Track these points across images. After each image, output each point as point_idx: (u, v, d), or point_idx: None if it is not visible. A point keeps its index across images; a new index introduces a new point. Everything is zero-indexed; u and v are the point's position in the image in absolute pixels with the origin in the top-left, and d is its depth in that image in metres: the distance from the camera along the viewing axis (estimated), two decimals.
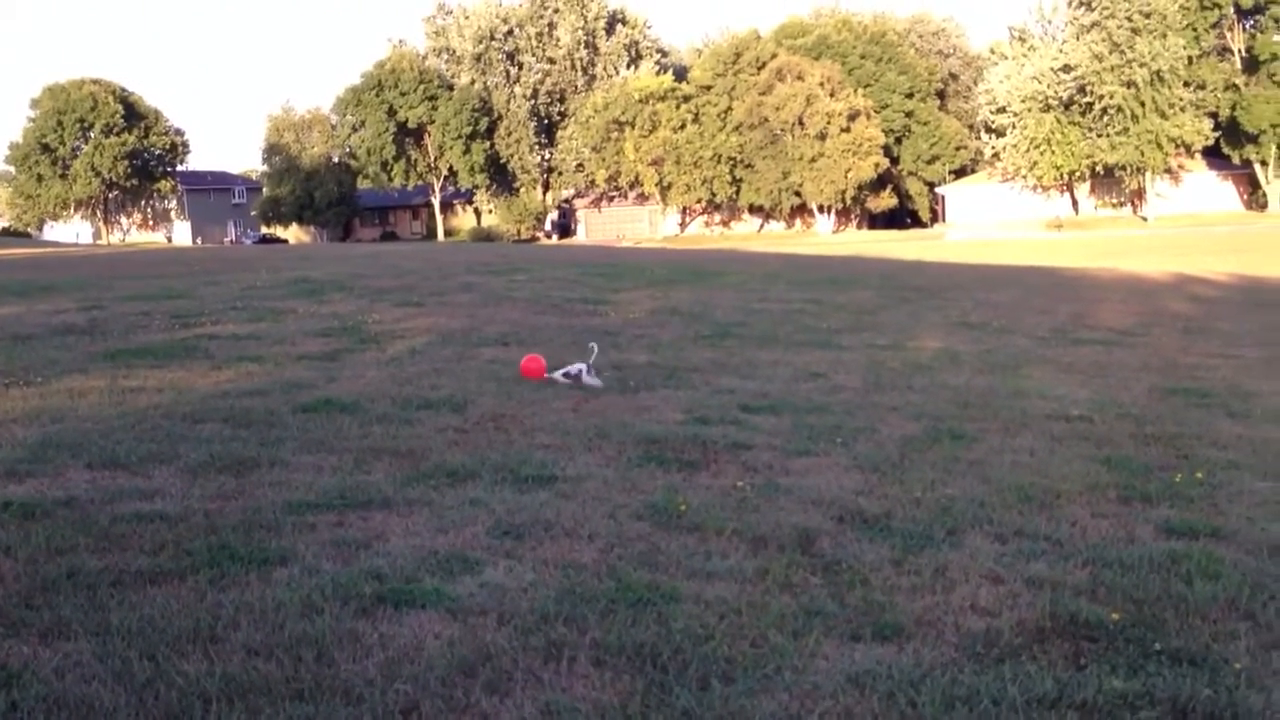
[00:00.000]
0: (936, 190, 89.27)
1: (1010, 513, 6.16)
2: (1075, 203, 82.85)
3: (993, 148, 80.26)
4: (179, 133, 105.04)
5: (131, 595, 4.64)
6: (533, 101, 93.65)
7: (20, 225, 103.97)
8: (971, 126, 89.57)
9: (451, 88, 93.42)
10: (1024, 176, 79.32)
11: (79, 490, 6.21)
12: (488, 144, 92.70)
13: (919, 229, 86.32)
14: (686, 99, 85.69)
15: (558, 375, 10.00)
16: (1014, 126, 77.83)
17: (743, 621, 4.55)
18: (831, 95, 79.98)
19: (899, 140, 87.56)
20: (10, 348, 12.13)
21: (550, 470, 6.85)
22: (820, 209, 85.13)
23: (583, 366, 10.03)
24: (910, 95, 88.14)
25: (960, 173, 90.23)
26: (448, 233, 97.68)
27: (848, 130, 79.49)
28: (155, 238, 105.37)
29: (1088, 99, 74.77)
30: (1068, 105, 75.94)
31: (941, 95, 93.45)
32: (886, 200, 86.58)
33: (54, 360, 11.15)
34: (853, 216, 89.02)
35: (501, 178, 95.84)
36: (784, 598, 4.84)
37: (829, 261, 35.15)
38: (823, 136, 79.42)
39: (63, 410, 8.50)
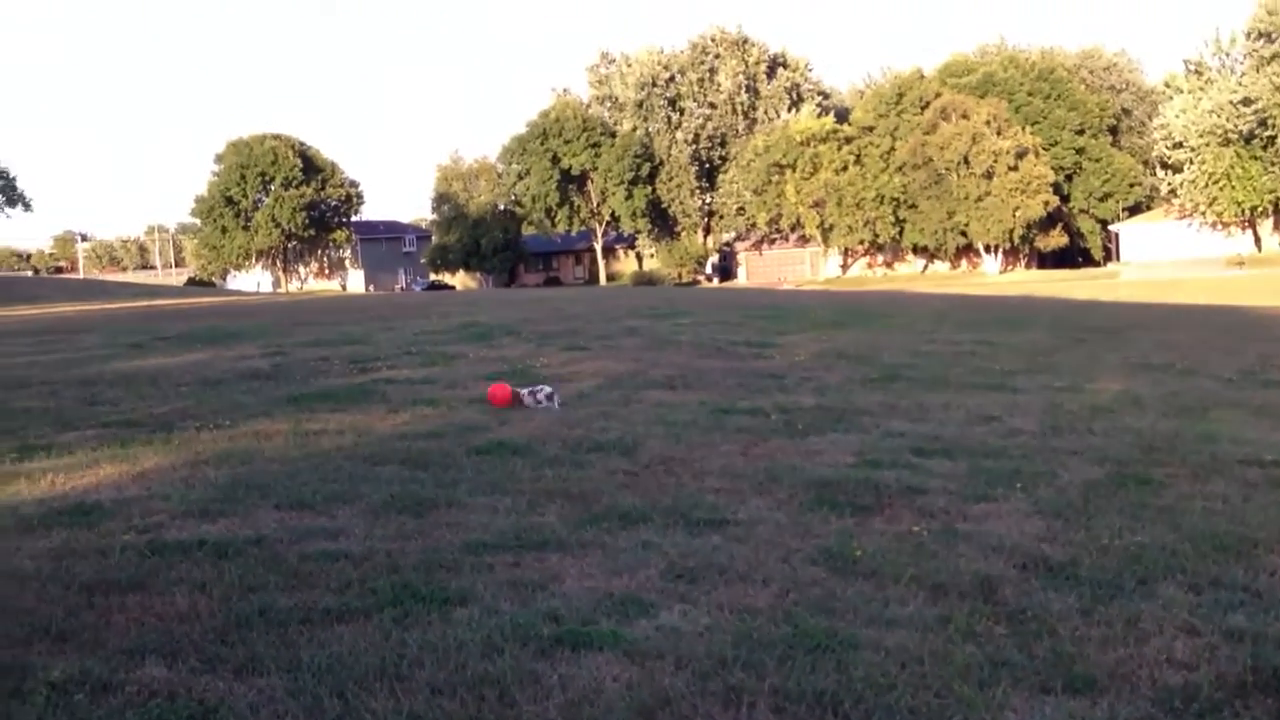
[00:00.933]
0: (1109, 228, 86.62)
1: (1204, 562, 5.88)
2: (1258, 239, 79.28)
3: (1169, 184, 77.55)
4: (354, 184, 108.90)
5: (320, 633, 4.77)
6: (694, 146, 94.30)
7: (206, 275, 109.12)
8: (1146, 162, 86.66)
9: (614, 134, 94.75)
10: (1202, 213, 76.38)
11: (268, 529, 6.43)
12: (649, 189, 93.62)
13: (1091, 268, 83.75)
14: (848, 140, 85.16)
15: (524, 394, 11.17)
16: (1191, 162, 75.09)
17: (925, 671, 4.44)
18: (998, 133, 78.45)
19: (1069, 178, 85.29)
20: (200, 392, 12.69)
21: (721, 514, 6.83)
22: (987, 249, 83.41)
23: (550, 389, 11.32)
24: (1081, 131, 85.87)
25: (1134, 210, 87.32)
26: (610, 277, 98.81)
27: (1015, 168, 77.78)
28: (330, 285, 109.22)
29: (1270, 132, 71.75)
30: (1248, 139, 73.00)
31: (1114, 131, 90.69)
32: (1057, 239, 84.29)
33: (241, 404, 11.63)
34: (1021, 256, 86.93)
35: (663, 222, 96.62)
36: (968, 647, 4.71)
37: (998, 302, 34.40)
38: (989, 175, 77.90)
39: (250, 452, 8.84)
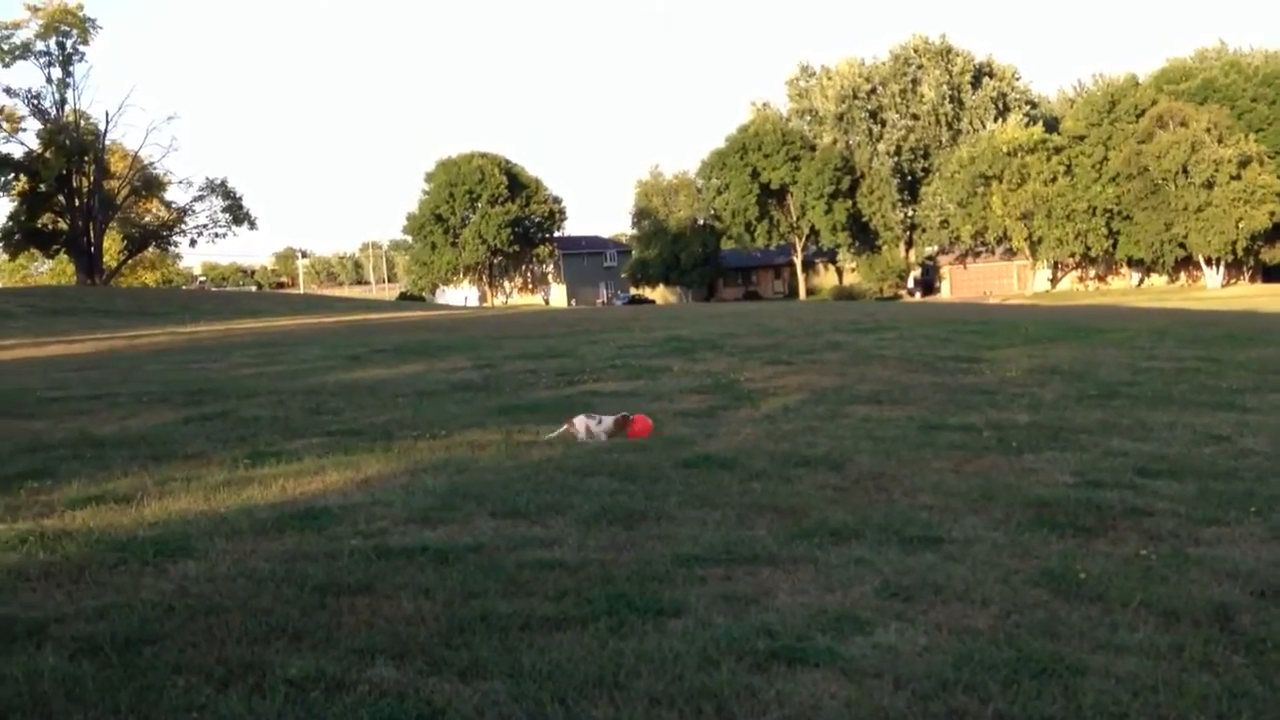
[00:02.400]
0: None
1: None
2: None
3: None
4: (557, 200, 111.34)
5: (539, 639, 4.86)
6: (895, 158, 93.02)
7: (416, 290, 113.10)
8: None
9: (813, 148, 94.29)
10: None
11: (485, 537, 6.60)
12: (849, 202, 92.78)
13: None
14: (1058, 150, 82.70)
15: (584, 424, 10.22)
16: None
17: (1159, 700, 4.24)
18: (1219, 141, 74.92)
19: None
20: (417, 403, 13.14)
21: (936, 531, 6.68)
22: (1208, 261, 79.68)
23: (611, 418, 10.35)
24: None
25: None
26: (809, 291, 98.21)
27: (1238, 178, 74.14)
28: (534, 300, 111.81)
29: None
30: None
31: None
32: None
33: (455, 415, 11.98)
34: (1245, 269, 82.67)
35: (863, 235, 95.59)
36: (1203, 676, 4.48)
37: (1222, 317, 32.75)
38: (1210, 185, 74.42)
39: (466, 461, 9.10)
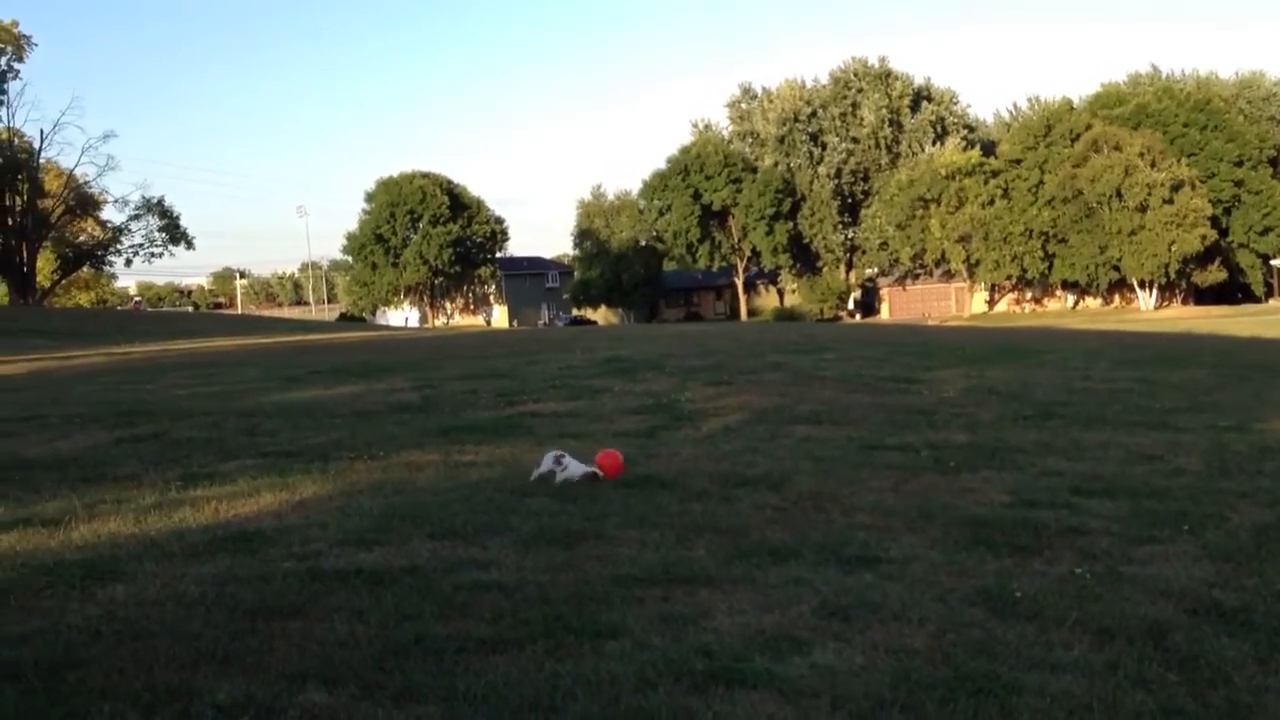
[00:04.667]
0: (1272, 263, 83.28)
1: None
2: None
3: None
4: (499, 221, 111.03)
5: (475, 662, 4.80)
6: (836, 181, 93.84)
7: (357, 310, 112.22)
8: None
9: (755, 169, 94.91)
10: None
11: (421, 559, 6.52)
12: (790, 224, 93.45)
13: (1252, 304, 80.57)
14: (995, 174, 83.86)
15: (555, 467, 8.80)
16: None
17: (1094, 718, 4.27)
18: (1152, 165, 76.34)
19: (1228, 211, 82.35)
20: (354, 423, 12.99)
21: (873, 551, 6.69)
22: (1141, 284, 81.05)
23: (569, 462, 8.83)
24: (1239, 163, 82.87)
25: None
26: (751, 312, 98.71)
27: (1170, 201, 75.52)
28: (476, 321, 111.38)
29: None
30: None
31: (1275, 163, 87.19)
32: (1215, 274, 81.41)
33: (393, 435, 11.86)
34: (1177, 292, 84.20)
35: (804, 257, 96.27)
36: (1138, 694, 4.51)
37: (1156, 339, 33.29)
38: (1143, 209, 75.77)
39: (403, 483, 9.00)
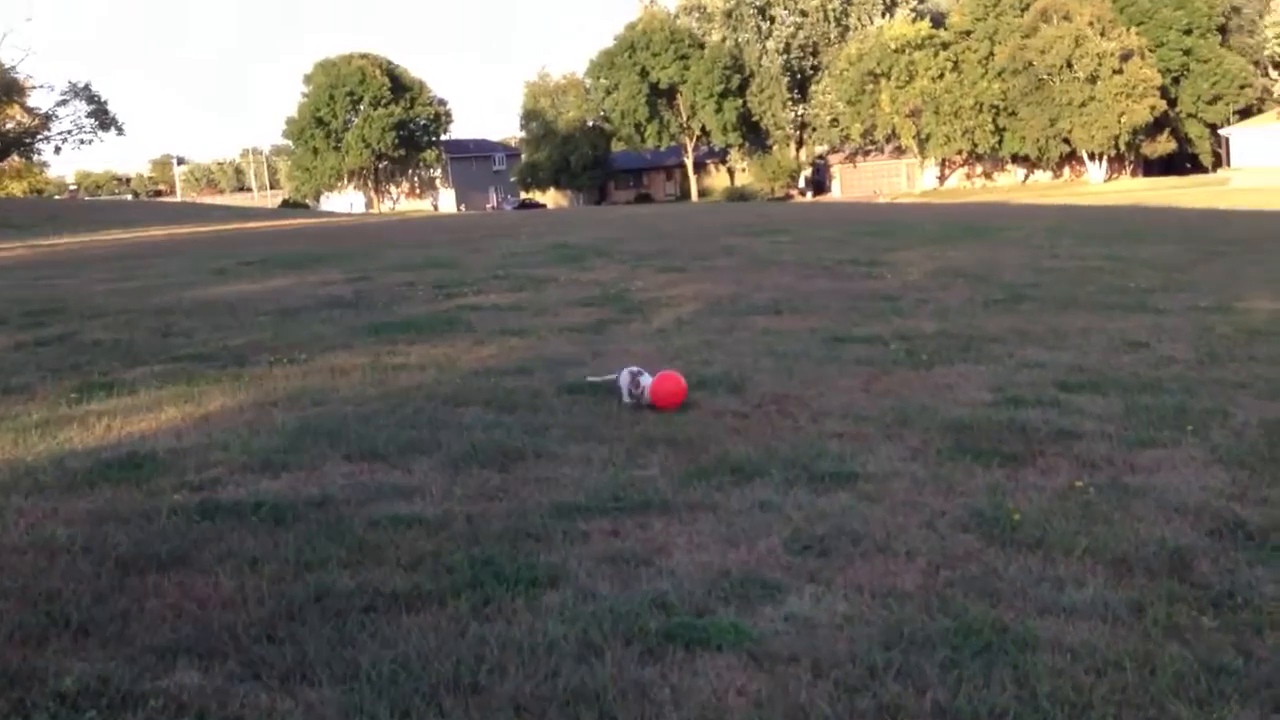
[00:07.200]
0: (1219, 133, 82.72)
1: None
2: None
3: None
4: (442, 103, 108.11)
5: (385, 627, 3.99)
6: (785, 56, 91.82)
7: (299, 197, 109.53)
8: (1257, 63, 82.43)
9: (703, 46, 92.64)
10: None
11: (334, 487, 5.69)
12: (740, 102, 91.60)
13: (1200, 174, 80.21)
14: (945, 46, 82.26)
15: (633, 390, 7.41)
16: None
17: (1126, 682, 3.54)
18: (1102, 35, 75.12)
19: (1176, 80, 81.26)
20: (279, 322, 12.06)
21: (849, 466, 5.92)
22: (1091, 156, 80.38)
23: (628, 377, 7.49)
24: (1188, 32, 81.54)
25: (1245, 113, 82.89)
26: (701, 193, 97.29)
27: (1120, 72, 74.47)
28: (422, 205, 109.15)
29: None
30: None
31: (1223, 30, 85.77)
32: (1164, 145, 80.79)
33: (319, 335, 10.95)
34: (1127, 163, 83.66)
35: (754, 136, 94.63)
36: (1172, 646, 3.78)
37: (1114, 212, 32.71)
38: (1093, 79, 74.72)
39: (324, 391, 8.14)
